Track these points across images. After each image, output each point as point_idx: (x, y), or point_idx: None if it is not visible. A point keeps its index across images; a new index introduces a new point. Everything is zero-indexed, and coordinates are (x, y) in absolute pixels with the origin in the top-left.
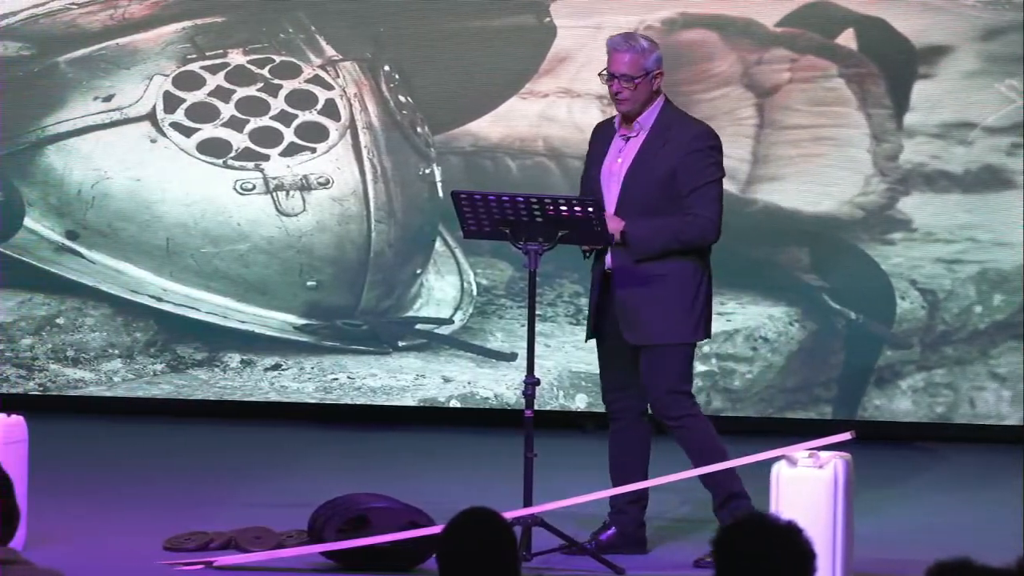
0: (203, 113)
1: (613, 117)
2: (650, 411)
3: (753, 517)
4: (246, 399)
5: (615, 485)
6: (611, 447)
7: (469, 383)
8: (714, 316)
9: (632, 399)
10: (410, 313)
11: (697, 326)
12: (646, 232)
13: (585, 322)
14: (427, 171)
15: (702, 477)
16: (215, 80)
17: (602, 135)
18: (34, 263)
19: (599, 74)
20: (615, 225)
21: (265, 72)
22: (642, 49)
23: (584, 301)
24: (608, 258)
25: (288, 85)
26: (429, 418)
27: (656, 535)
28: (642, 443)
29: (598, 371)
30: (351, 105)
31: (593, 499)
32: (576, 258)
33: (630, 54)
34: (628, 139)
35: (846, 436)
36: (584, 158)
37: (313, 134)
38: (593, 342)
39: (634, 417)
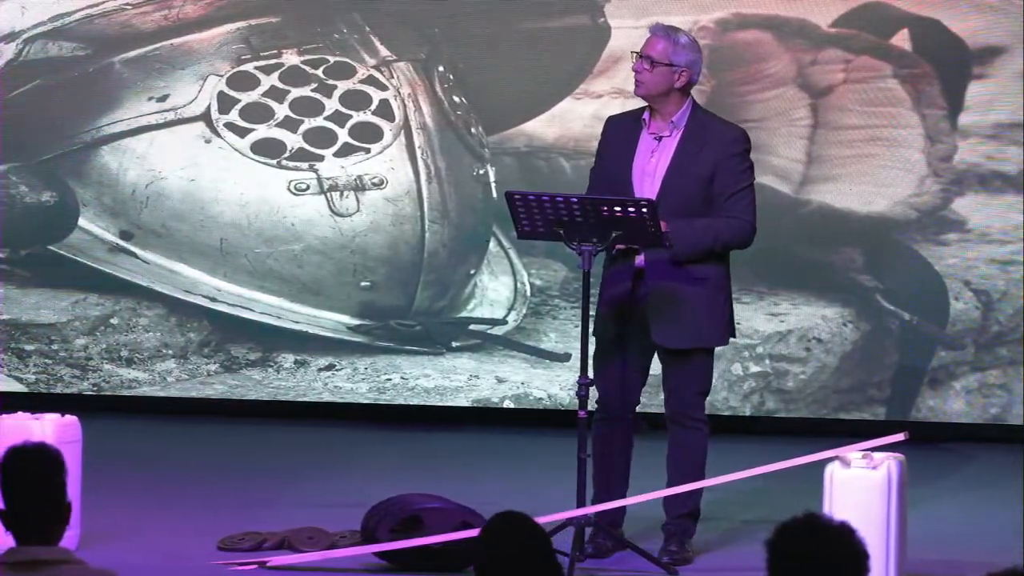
0: (257, 113)
1: (633, 112)
2: (667, 411)
3: (806, 518)
4: (300, 399)
5: (605, 486)
6: (604, 448)
7: (523, 384)
8: (767, 317)
9: (632, 398)
10: (464, 314)
11: (725, 331)
12: (690, 233)
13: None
14: (481, 171)
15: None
16: (269, 80)
17: (622, 130)
18: (88, 263)
19: (631, 52)
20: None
21: (319, 72)
22: (678, 42)
23: None
24: (641, 257)
25: (342, 85)
26: (482, 418)
27: (710, 537)
28: (630, 443)
29: (597, 368)
30: (405, 105)
31: (646, 500)
32: None
33: (664, 42)
34: (661, 138)
35: (900, 437)
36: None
37: (367, 134)
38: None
39: (627, 417)
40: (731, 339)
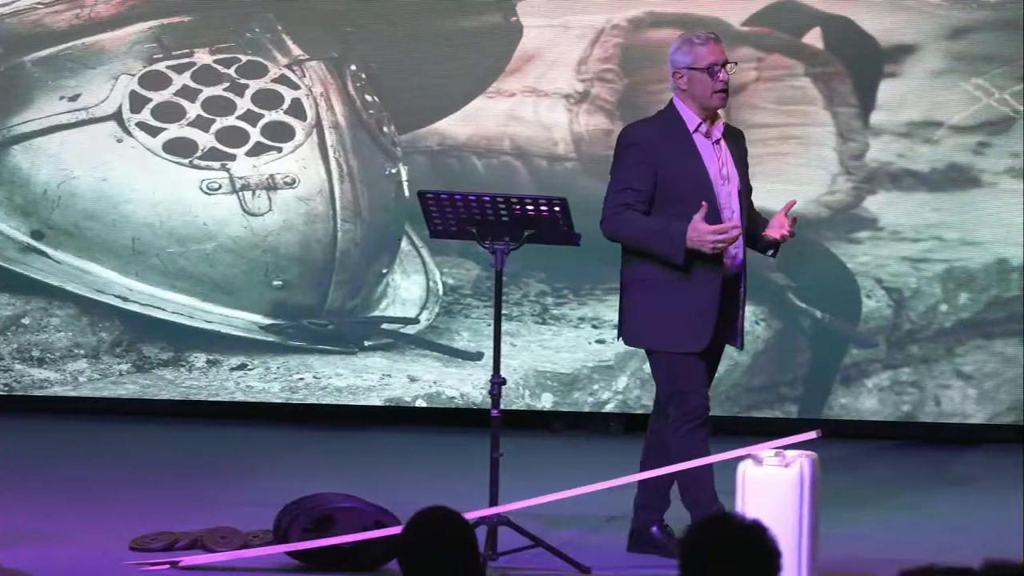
0: (169, 113)
1: (661, 119)
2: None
3: (718, 516)
4: (212, 399)
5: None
6: (696, 451)
7: (435, 383)
8: None
9: None
10: (376, 313)
11: None
12: None
13: (695, 330)
14: (393, 170)
15: (693, 488)
16: (181, 80)
17: (670, 140)
18: None
19: (728, 63)
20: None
21: (231, 72)
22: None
23: (551, 300)
24: (739, 261)
25: (254, 85)
26: (395, 418)
27: (623, 536)
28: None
29: (695, 375)
30: (317, 104)
31: (559, 499)
32: (544, 257)
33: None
34: (719, 141)
35: (812, 435)
36: (647, 164)
37: (279, 134)
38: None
39: None
40: None
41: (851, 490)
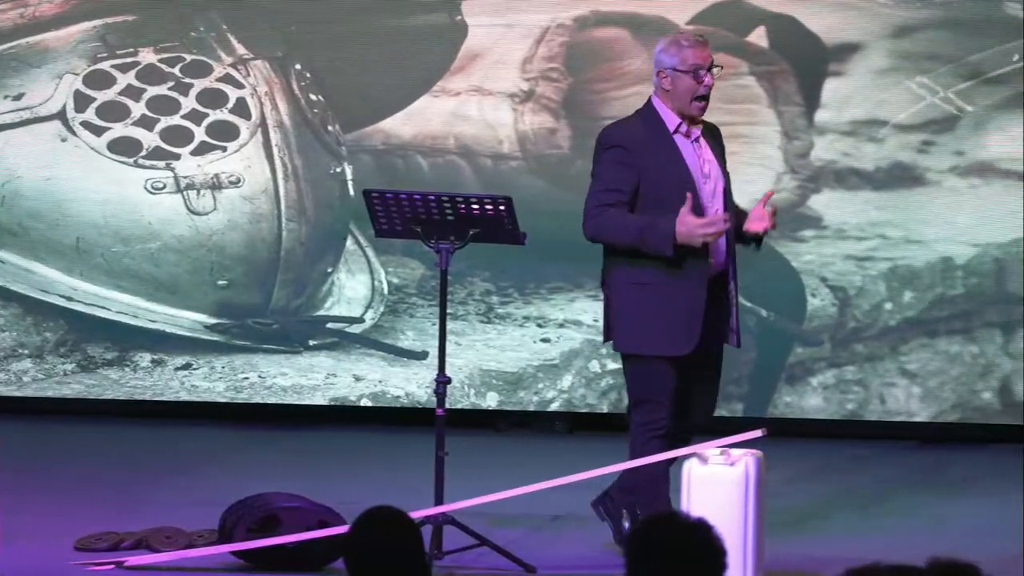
0: (114, 112)
1: (638, 118)
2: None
3: (663, 515)
4: (157, 398)
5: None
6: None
7: (380, 382)
8: None
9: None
10: (321, 312)
11: None
12: None
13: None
14: (338, 169)
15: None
16: (126, 79)
17: (651, 139)
18: None
19: (715, 67)
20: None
21: (176, 71)
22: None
23: (497, 299)
24: (723, 259)
25: (199, 84)
26: (340, 417)
27: (570, 535)
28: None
29: (665, 387)
30: (262, 104)
31: (504, 497)
32: (489, 256)
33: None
34: (697, 139)
35: (757, 434)
36: (632, 163)
37: (224, 133)
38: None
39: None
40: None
41: (796, 489)
